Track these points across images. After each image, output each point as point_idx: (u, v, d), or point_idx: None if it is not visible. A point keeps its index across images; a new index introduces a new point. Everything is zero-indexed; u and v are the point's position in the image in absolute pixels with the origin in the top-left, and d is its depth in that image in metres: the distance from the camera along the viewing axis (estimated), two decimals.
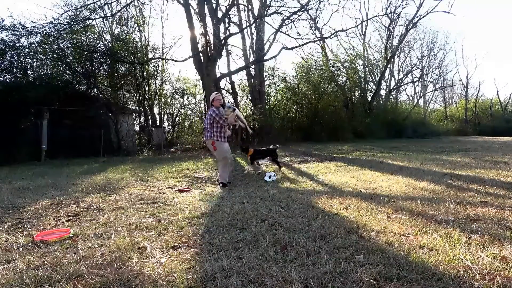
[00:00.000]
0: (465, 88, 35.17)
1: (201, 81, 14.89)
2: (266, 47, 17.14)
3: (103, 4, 13.24)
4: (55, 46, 13.03)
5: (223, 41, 13.95)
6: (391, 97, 29.79)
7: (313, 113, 18.77)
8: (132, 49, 15.68)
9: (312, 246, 2.28)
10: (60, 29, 12.30)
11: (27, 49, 12.23)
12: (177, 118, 19.18)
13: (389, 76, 30.29)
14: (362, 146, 13.55)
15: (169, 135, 17.70)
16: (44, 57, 12.87)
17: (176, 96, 19.29)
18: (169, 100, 19.28)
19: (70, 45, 13.64)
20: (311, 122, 18.72)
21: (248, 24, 17.54)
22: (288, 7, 17.85)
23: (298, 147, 13.08)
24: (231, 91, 17.32)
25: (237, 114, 5.65)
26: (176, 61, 16.77)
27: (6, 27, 11.46)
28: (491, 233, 2.48)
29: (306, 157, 9.58)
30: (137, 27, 17.69)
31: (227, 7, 14.37)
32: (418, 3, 22.07)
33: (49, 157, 10.56)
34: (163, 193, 4.73)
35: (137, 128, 16.82)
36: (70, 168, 8.05)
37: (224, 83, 17.77)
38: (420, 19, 21.91)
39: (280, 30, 15.30)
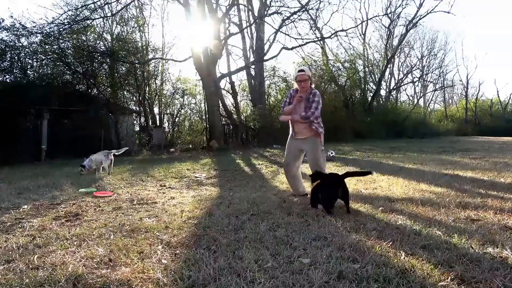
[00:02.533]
0: (465, 88, 35.22)
1: (201, 81, 14.91)
2: (266, 47, 17.17)
3: (103, 4, 13.28)
4: (55, 46, 13.04)
5: (223, 41, 13.97)
6: (391, 97, 29.84)
7: None
8: (132, 49, 15.70)
9: (312, 246, 2.28)
10: (60, 29, 12.33)
11: (27, 49, 12.26)
12: (177, 118, 19.19)
13: (389, 76, 30.37)
14: (362, 146, 13.55)
15: (169, 135, 17.71)
16: (44, 57, 12.88)
17: (176, 96, 19.31)
18: (169, 100, 19.28)
19: (70, 45, 13.65)
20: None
21: (248, 24, 17.58)
22: (288, 7, 17.90)
23: None
24: (231, 91, 17.33)
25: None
26: (176, 61, 16.84)
27: (6, 27, 11.49)
28: (491, 233, 2.48)
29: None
30: (138, 27, 17.70)
31: (227, 7, 14.41)
32: (418, 3, 22.16)
33: (49, 157, 10.56)
34: (163, 193, 4.73)
35: (137, 128, 16.82)
36: (70, 168, 8.05)
37: (224, 83, 17.79)
38: (420, 19, 22.02)
39: (280, 30, 15.35)
